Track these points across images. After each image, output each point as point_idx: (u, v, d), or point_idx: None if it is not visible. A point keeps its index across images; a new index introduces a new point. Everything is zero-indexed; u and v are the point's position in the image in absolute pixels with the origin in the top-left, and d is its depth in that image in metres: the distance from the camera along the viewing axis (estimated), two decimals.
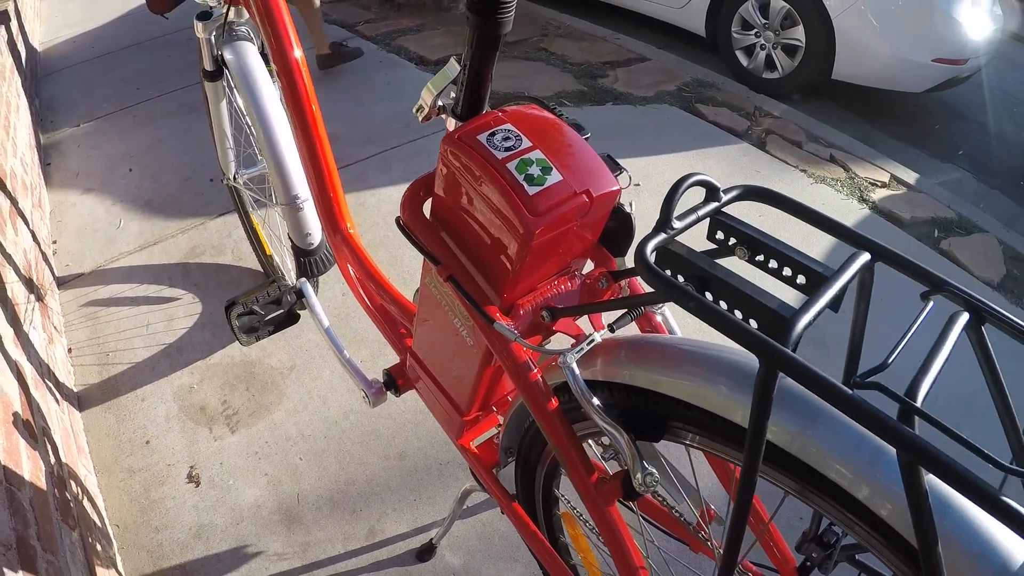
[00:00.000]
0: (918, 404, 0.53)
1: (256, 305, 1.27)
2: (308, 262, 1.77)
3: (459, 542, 1.62)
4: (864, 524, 0.65)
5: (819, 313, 0.59)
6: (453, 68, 0.95)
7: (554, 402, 0.88)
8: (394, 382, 1.31)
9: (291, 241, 1.77)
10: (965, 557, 0.56)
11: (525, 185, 0.79)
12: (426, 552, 1.59)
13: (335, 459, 1.77)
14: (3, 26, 3.44)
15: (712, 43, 4.53)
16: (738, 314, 0.63)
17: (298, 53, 1.46)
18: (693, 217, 0.69)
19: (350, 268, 1.38)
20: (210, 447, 1.80)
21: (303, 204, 1.70)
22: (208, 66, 1.82)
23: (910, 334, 0.60)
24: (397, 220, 0.97)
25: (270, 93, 1.70)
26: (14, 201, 2.24)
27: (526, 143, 0.83)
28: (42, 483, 1.31)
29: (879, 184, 3.20)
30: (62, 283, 2.42)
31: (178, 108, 3.55)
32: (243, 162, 2.12)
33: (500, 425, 1.17)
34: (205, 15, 1.73)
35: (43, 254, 2.41)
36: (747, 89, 4.03)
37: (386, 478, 1.73)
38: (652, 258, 0.65)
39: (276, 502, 1.69)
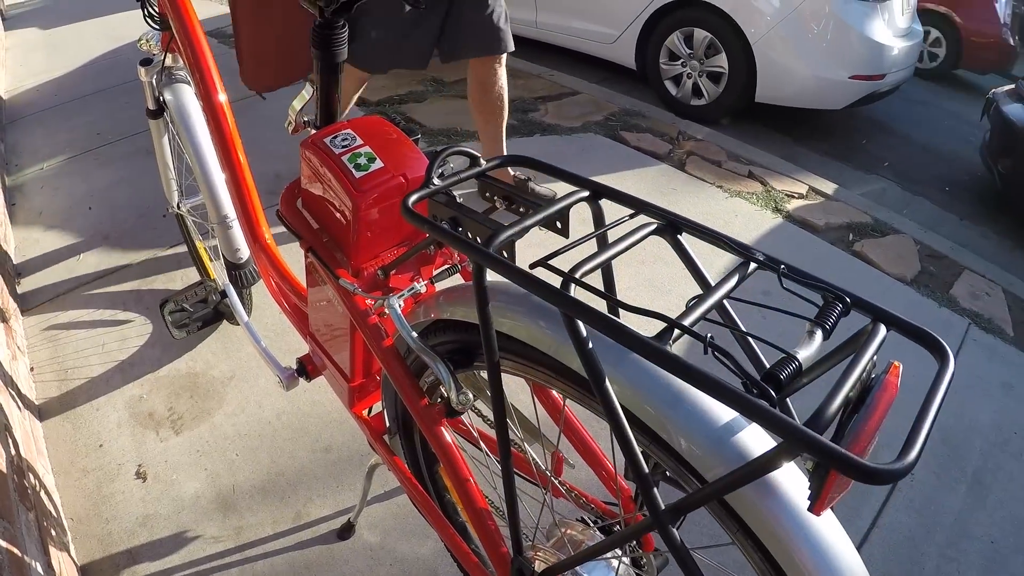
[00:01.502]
0: (577, 276, 0.71)
1: (186, 303, 1.49)
2: (238, 275, 2.00)
3: (376, 521, 1.84)
4: (571, 383, 0.85)
5: (525, 229, 0.80)
6: (308, 90, 1.22)
7: (388, 340, 1.12)
8: (304, 368, 1.54)
9: (223, 257, 2.01)
10: (628, 385, 0.76)
11: (353, 171, 1.05)
12: (346, 531, 1.81)
13: (267, 454, 1.99)
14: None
15: (643, 75, 4.81)
16: (479, 240, 0.85)
17: (222, 97, 1.71)
18: (454, 179, 0.92)
19: (269, 273, 1.62)
20: (156, 447, 2.02)
21: (232, 223, 1.93)
22: (151, 105, 2.08)
23: (594, 236, 0.83)
24: (277, 212, 1.23)
25: (203, 128, 1.94)
26: None
27: (359, 142, 1.09)
28: (2, 466, 1.53)
29: (796, 196, 3.45)
30: (25, 311, 2.63)
31: (136, 151, 3.79)
32: (186, 192, 2.36)
33: None
34: (147, 61, 1.98)
35: (7, 286, 2.62)
36: (674, 116, 4.31)
37: (312, 468, 1.96)
38: (411, 206, 0.87)
39: (214, 493, 1.91)
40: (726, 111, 4.48)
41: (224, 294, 1.59)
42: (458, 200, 0.93)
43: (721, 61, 4.36)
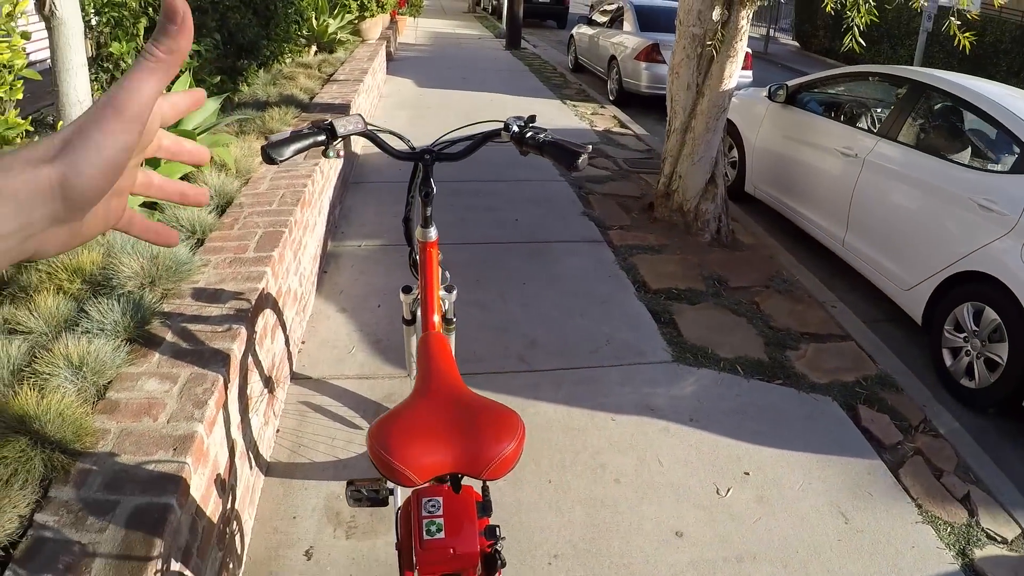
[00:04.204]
0: None
1: (364, 489, 2.11)
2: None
3: None
4: None
5: None
6: None
7: None
8: None
9: None
10: None
11: (424, 534, 1.59)
12: None
13: None
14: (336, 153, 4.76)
15: (927, 330, 4.83)
16: None
17: (436, 318, 2.31)
18: None
19: None
20: (328, 541, 2.69)
21: None
22: (407, 316, 2.78)
23: None
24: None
25: None
26: (280, 314, 3.33)
27: (439, 512, 1.62)
28: (215, 520, 2.25)
29: (998, 540, 3.23)
30: (294, 378, 3.48)
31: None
32: None
33: None
34: (408, 289, 2.69)
35: (289, 353, 3.49)
36: (930, 396, 4.24)
37: None
38: None
39: None
40: (992, 402, 4.33)
41: (391, 491, 2.20)
42: None
43: (1002, 351, 4.25)
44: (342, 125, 2.10)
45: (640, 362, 4.05)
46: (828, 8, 5.44)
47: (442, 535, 1.59)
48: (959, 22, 5.01)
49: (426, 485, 1.63)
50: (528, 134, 2.09)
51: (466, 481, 1.67)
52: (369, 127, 2.18)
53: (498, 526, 1.66)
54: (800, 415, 3.80)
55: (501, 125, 2.17)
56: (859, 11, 4.99)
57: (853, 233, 5.52)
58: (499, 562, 1.65)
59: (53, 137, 0.53)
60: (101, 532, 1.80)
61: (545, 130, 2.13)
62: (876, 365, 4.39)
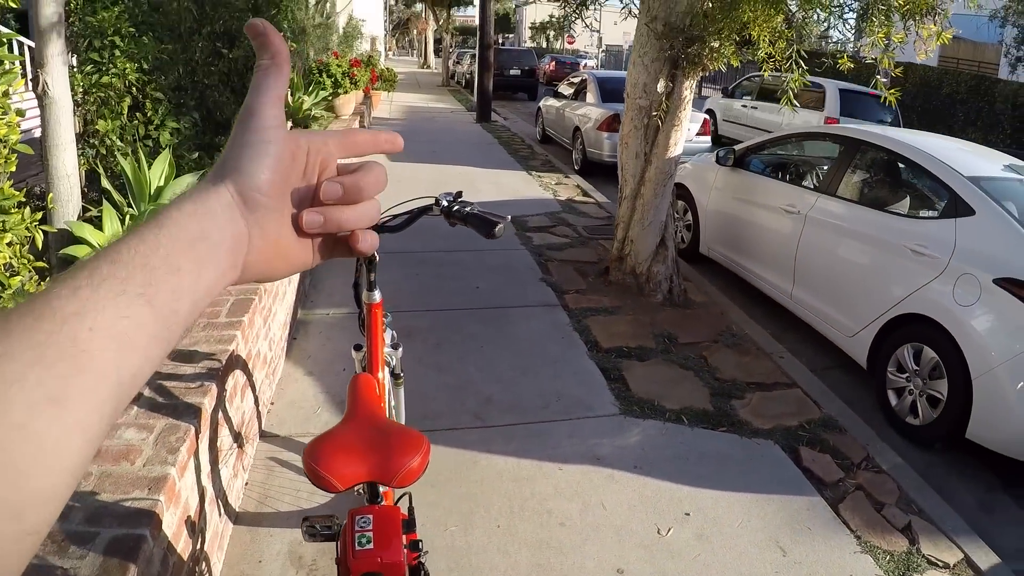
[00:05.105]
0: None
1: (318, 525, 2.37)
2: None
3: None
4: None
5: None
6: None
7: None
8: None
9: None
10: None
11: (356, 545, 1.86)
12: None
13: None
14: None
15: (872, 374, 5.13)
16: None
17: (381, 375, 2.64)
18: None
19: None
20: None
21: None
22: (359, 370, 3.03)
23: None
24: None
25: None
26: (249, 375, 3.62)
27: (369, 528, 1.89)
28: (185, 557, 2.51)
29: (939, 565, 3.38)
30: (263, 436, 3.75)
31: (400, 329, 4.89)
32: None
33: None
34: (359, 347, 2.97)
35: (259, 412, 3.78)
36: (874, 435, 4.46)
37: None
38: None
39: None
40: (936, 438, 4.60)
41: (340, 525, 2.47)
42: None
43: (942, 387, 4.51)
44: None
45: (588, 416, 4.31)
46: (766, 74, 5.83)
47: (371, 546, 1.87)
48: (885, 79, 5.41)
49: (363, 509, 1.93)
50: (455, 208, 2.41)
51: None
52: None
53: (421, 540, 1.95)
54: (741, 459, 4.02)
55: (433, 200, 2.50)
56: (793, 75, 5.36)
57: (800, 286, 5.88)
58: (423, 573, 1.95)
59: (215, 167, 0.61)
60: (82, 559, 2.07)
61: (472, 204, 2.43)
62: (820, 409, 4.64)
